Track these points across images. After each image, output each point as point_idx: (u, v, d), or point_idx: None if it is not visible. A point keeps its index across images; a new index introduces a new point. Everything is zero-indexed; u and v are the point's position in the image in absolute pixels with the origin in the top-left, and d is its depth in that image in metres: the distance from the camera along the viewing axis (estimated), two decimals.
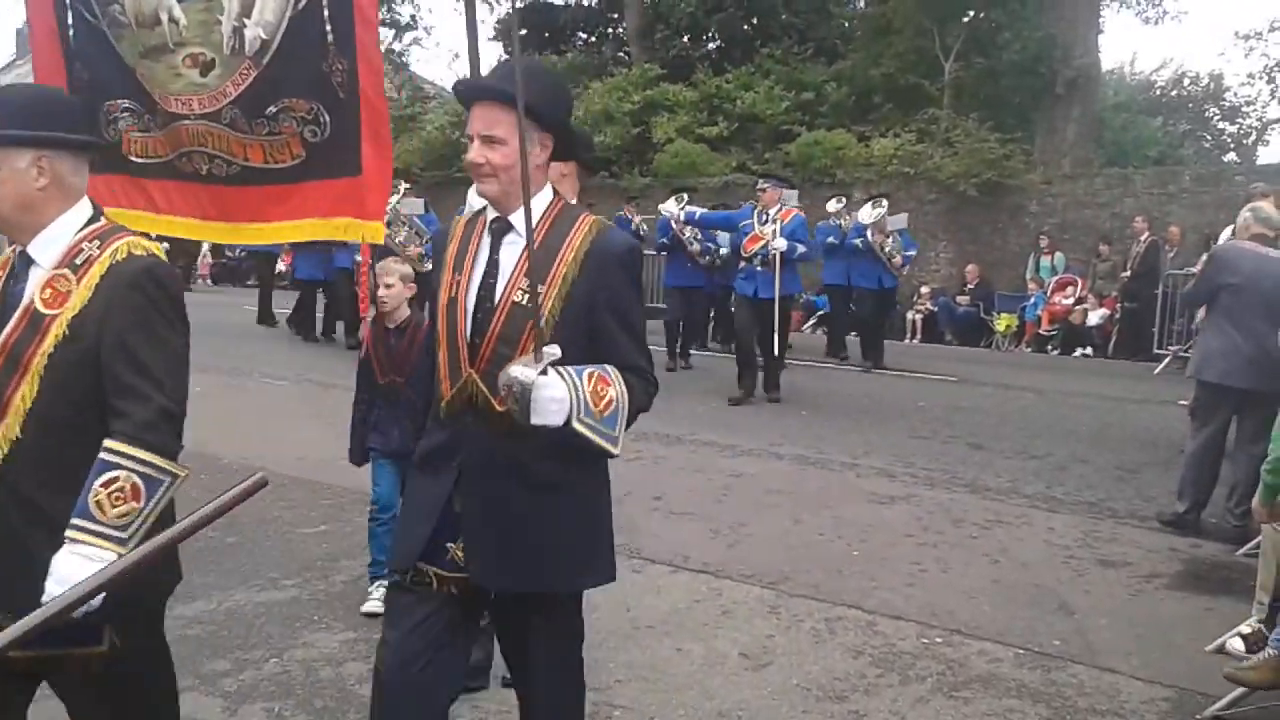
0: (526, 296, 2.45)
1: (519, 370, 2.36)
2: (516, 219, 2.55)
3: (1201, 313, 9.74)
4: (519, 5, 26.99)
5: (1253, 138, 32.95)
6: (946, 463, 7.91)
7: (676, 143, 19.98)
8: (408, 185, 10.69)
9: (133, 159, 4.85)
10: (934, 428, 9.11)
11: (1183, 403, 8.42)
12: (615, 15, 25.96)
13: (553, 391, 2.37)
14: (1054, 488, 7.32)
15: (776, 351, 10.12)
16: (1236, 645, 4.55)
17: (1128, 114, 30.96)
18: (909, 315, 17.21)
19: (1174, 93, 33.80)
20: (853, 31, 23.89)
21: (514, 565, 2.58)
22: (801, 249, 9.95)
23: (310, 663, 4.36)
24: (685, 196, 12.40)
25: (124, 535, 2.17)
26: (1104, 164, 20.71)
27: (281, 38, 4.38)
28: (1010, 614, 5.02)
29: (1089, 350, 15.52)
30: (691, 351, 12.82)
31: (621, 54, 25.15)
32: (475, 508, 2.59)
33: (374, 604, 4.71)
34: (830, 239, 13.22)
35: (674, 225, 11.83)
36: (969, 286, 17.00)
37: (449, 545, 2.61)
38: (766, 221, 9.84)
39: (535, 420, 2.36)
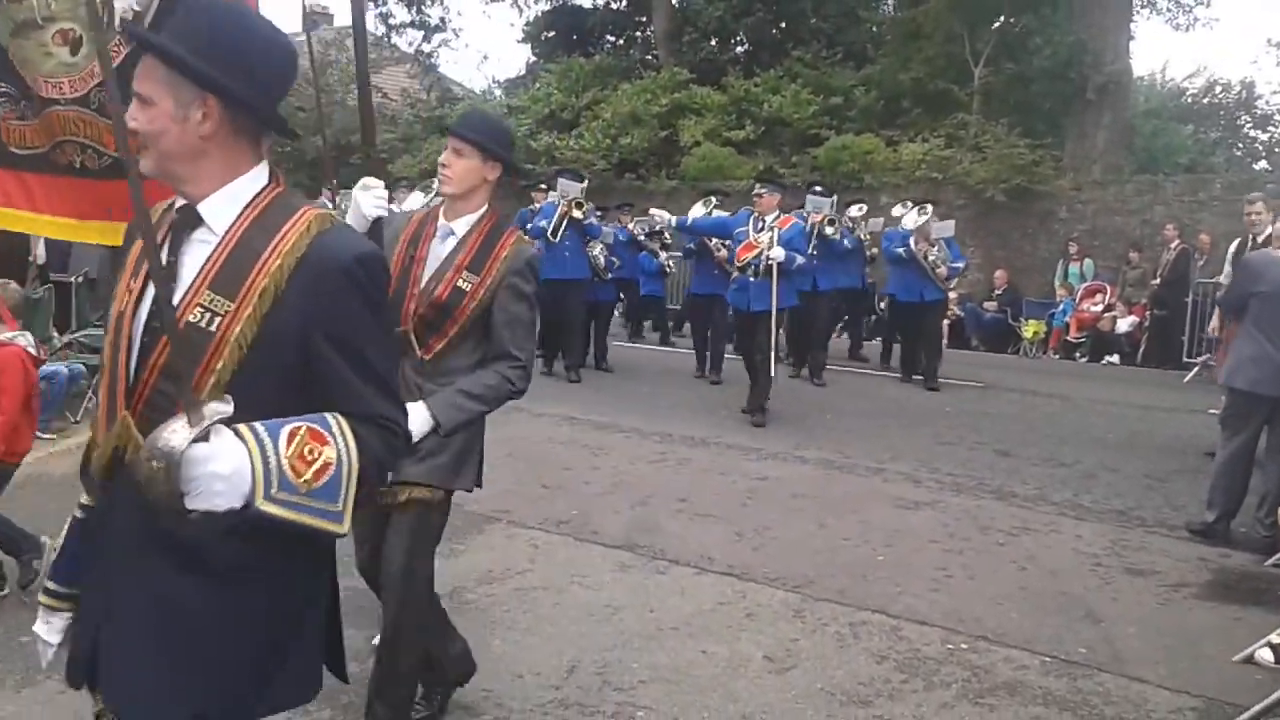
0: (207, 316, 1.86)
1: (167, 435, 1.73)
2: (209, 209, 1.93)
3: (1215, 321, 9.69)
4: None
5: None
6: (973, 469, 7.87)
7: (704, 146, 19.97)
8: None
9: (12, 150, 4.21)
10: (960, 434, 9.07)
11: (1213, 411, 8.37)
12: (643, 18, 25.96)
13: (216, 465, 1.74)
14: (1082, 495, 7.27)
15: (772, 370, 9.31)
16: (1265, 655, 4.52)
17: (1158, 121, 30.71)
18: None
19: (1205, 100, 33.50)
20: (882, 36, 23.80)
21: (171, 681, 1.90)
22: (800, 259, 9.07)
23: None
24: (714, 200, 12.32)
25: None
26: (1134, 171, 20.55)
27: (155, 12, 3.79)
28: (1037, 621, 4.99)
29: (1117, 358, 15.39)
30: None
31: (649, 57, 25.16)
32: (125, 604, 1.92)
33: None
34: (899, 249, 11.64)
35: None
36: (997, 292, 16.90)
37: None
38: (763, 229, 9.06)
39: (193, 504, 1.74)
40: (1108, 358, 15.43)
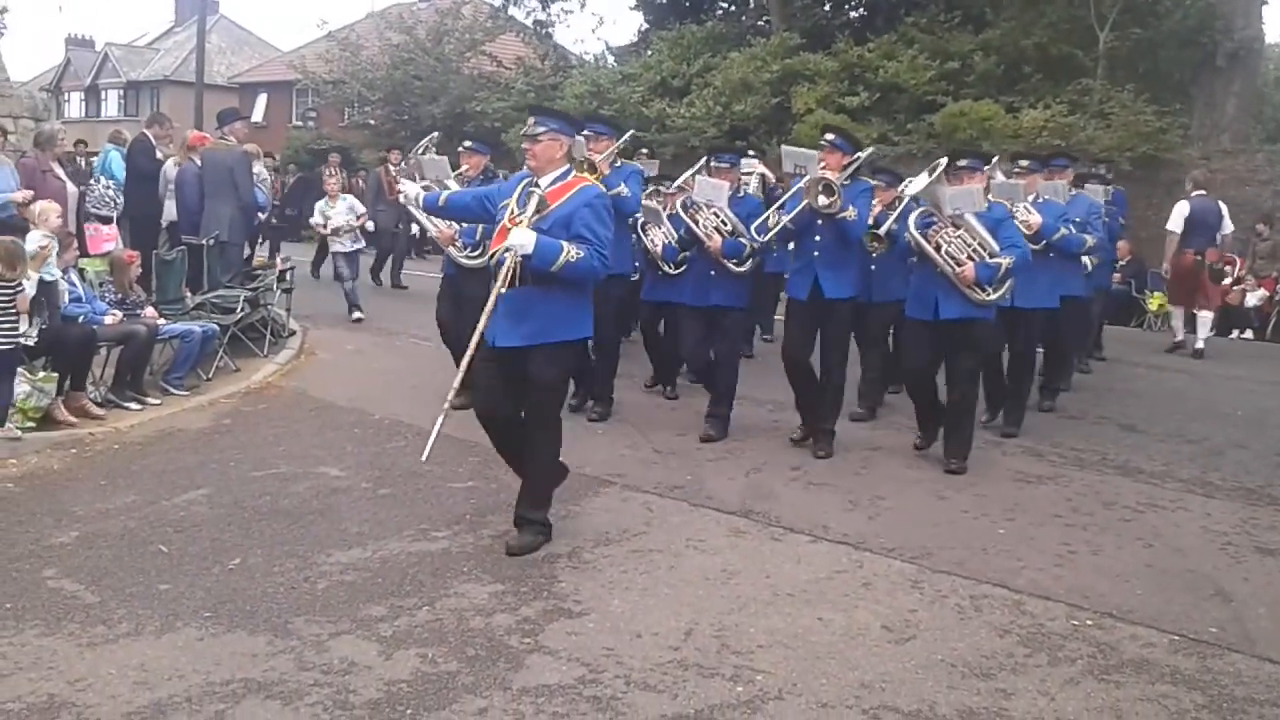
0: None
1: None
2: None
3: None
4: None
5: None
6: (1097, 444, 7.67)
7: (816, 113, 19.64)
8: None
9: None
10: (1083, 408, 8.84)
11: None
12: None
13: None
14: (1210, 472, 7.04)
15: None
16: None
17: None
18: None
19: None
20: None
21: None
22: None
23: (461, 612, 4.50)
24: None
25: None
26: (1264, 140, 19.70)
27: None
28: (1165, 599, 4.87)
29: (1247, 333, 14.84)
30: None
31: (761, 23, 24.82)
32: None
33: None
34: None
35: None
36: (1120, 264, 16.37)
37: None
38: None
39: None
40: (1236, 332, 14.89)
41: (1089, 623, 4.60)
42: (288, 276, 10.91)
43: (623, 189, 7.23)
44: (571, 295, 5.15)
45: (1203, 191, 12.40)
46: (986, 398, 7.87)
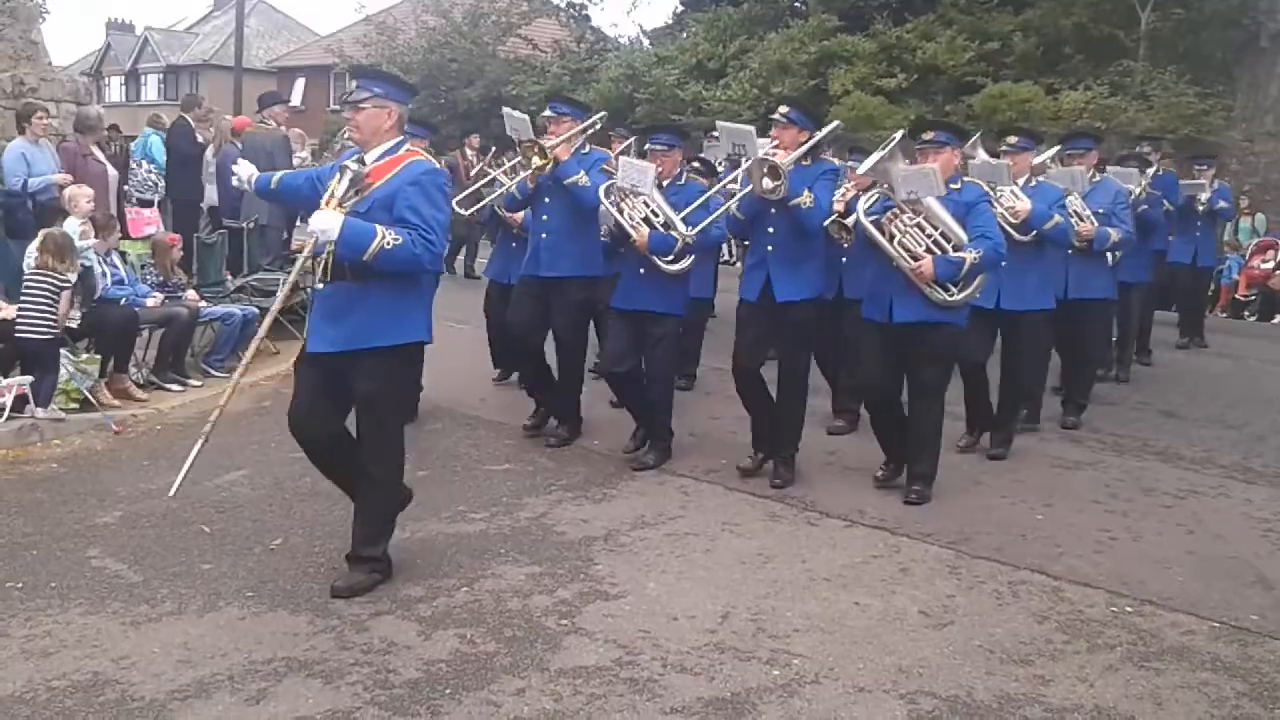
0: None
1: None
2: None
3: None
4: None
5: None
6: (1137, 429, 7.60)
7: (853, 95, 19.53)
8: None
9: None
10: (1123, 394, 8.75)
11: None
12: None
13: None
14: (1251, 458, 6.96)
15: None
16: None
17: None
18: None
19: None
20: None
21: None
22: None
23: (499, 593, 4.54)
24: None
25: None
26: None
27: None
28: (1205, 586, 4.83)
29: None
30: None
31: (797, 4, 24.63)
32: None
33: None
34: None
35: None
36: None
37: None
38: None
39: None
40: (1279, 317, 14.69)
41: (1129, 609, 4.57)
42: None
43: (581, 177, 6.29)
44: (398, 291, 4.40)
45: None
46: (967, 417, 6.95)
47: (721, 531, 5.36)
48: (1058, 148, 7.78)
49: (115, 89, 47.75)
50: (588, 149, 6.62)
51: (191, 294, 8.46)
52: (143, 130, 12.41)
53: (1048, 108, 17.96)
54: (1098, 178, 7.63)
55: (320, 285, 4.41)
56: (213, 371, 8.23)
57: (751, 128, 6.26)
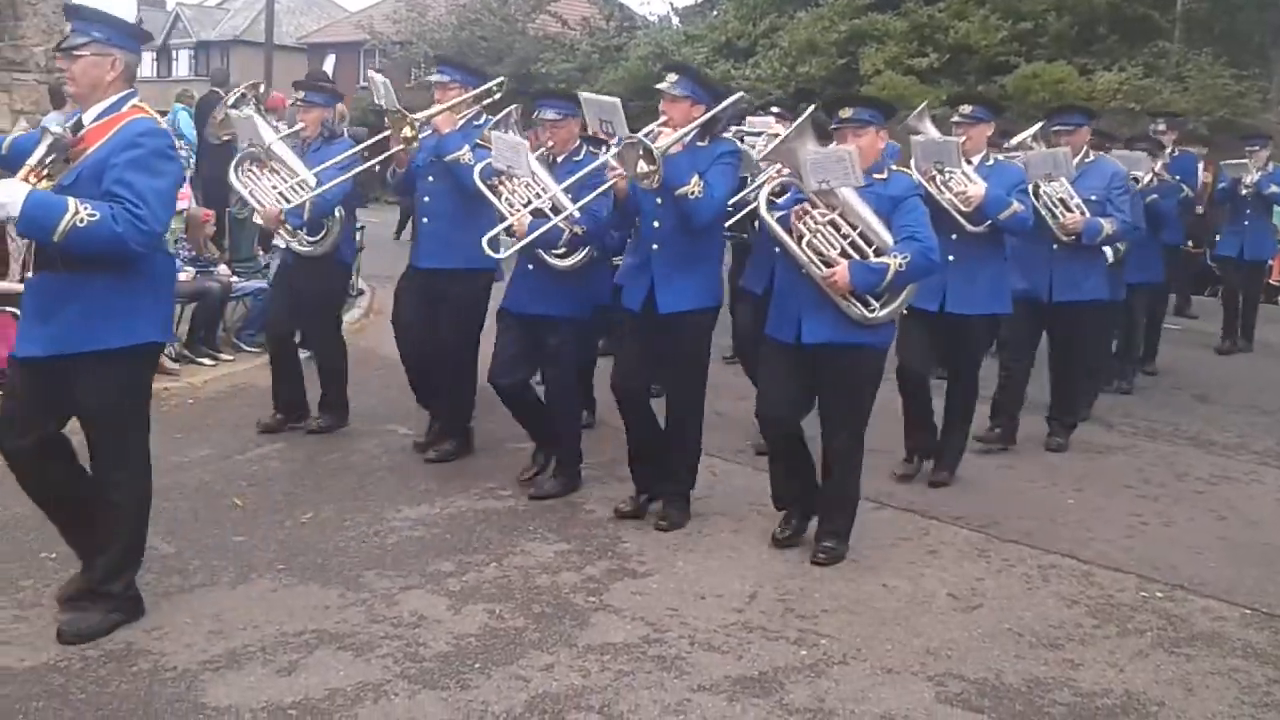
0: None
1: None
2: None
3: None
4: None
5: None
6: (1169, 414, 7.54)
7: (884, 74, 19.37)
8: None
9: None
10: (1156, 379, 8.68)
11: None
12: None
13: None
14: None
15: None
16: None
17: None
18: None
19: None
20: None
21: None
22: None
23: (528, 569, 4.56)
24: None
25: None
26: None
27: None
28: (1237, 572, 4.80)
29: None
30: None
31: None
32: None
33: None
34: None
35: None
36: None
37: None
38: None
39: None
40: None
41: (1159, 595, 4.55)
42: (358, 237, 10.99)
43: (463, 154, 5.47)
44: (121, 281, 3.63)
45: None
46: (906, 440, 6.02)
47: (749, 511, 5.35)
48: (1041, 124, 6.72)
49: (147, 64, 47.77)
50: (484, 118, 5.75)
51: (224, 269, 8.51)
52: (172, 106, 12.45)
53: (1081, 89, 17.75)
54: (1091, 158, 6.55)
55: (29, 275, 3.73)
56: (244, 346, 8.29)
57: (617, 100, 5.05)
